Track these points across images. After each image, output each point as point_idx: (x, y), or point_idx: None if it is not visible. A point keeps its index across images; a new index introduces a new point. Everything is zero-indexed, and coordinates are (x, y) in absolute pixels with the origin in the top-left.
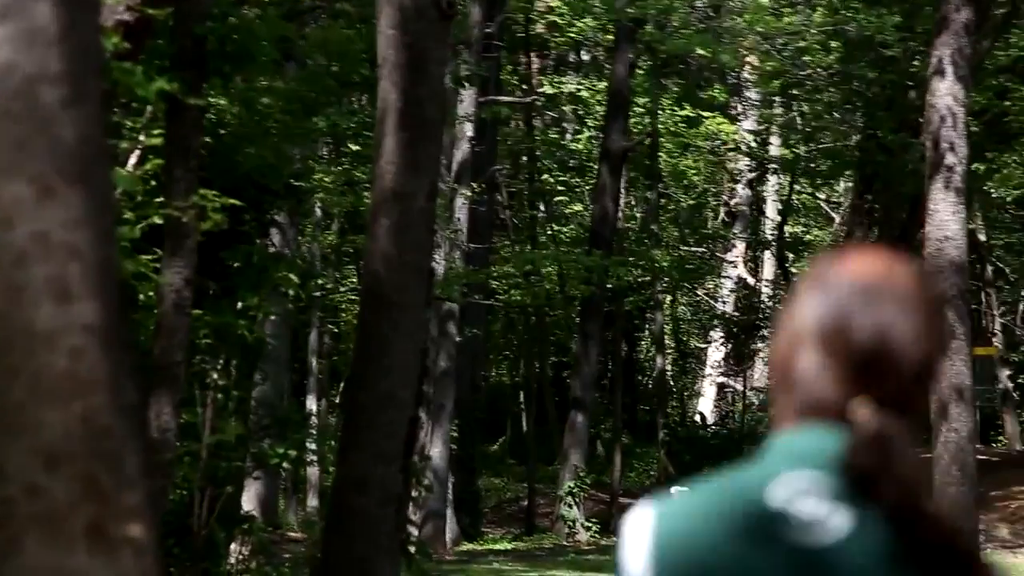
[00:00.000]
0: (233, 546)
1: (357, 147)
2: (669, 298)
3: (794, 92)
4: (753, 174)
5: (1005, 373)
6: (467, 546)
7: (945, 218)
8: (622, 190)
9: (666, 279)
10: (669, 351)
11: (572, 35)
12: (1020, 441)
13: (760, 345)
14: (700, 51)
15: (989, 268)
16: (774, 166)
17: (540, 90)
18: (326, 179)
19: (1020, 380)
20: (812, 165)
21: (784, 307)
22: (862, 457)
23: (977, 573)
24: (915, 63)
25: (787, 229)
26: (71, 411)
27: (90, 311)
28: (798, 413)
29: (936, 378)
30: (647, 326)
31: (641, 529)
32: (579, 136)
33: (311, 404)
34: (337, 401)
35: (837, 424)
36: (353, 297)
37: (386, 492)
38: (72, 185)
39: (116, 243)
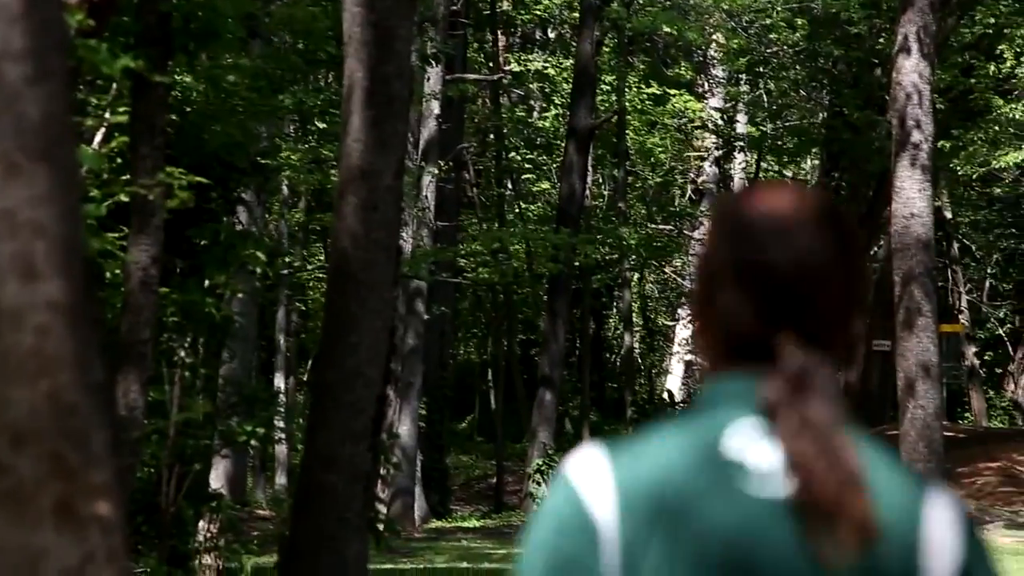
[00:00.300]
0: (201, 523)
1: (324, 125)
2: (637, 276)
3: (760, 70)
4: (720, 152)
5: (971, 350)
6: (436, 524)
7: (911, 195)
8: (589, 168)
9: (633, 257)
10: (637, 329)
11: (538, 12)
12: (986, 418)
13: None
14: (666, 28)
15: (955, 245)
16: (741, 143)
17: (506, 68)
18: (293, 157)
19: (986, 357)
20: (779, 143)
21: (701, 247)
22: (784, 397)
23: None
24: (881, 40)
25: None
26: (37, 389)
27: (56, 289)
28: (725, 355)
29: (861, 305)
30: (615, 304)
31: (600, 474)
32: (546, 114)
33: (279, 382)
34: (305, 379)
35: (764, 363)
36: (320, 275)
37: (354, 470)
38: (37, 163)
39: (82, 221)
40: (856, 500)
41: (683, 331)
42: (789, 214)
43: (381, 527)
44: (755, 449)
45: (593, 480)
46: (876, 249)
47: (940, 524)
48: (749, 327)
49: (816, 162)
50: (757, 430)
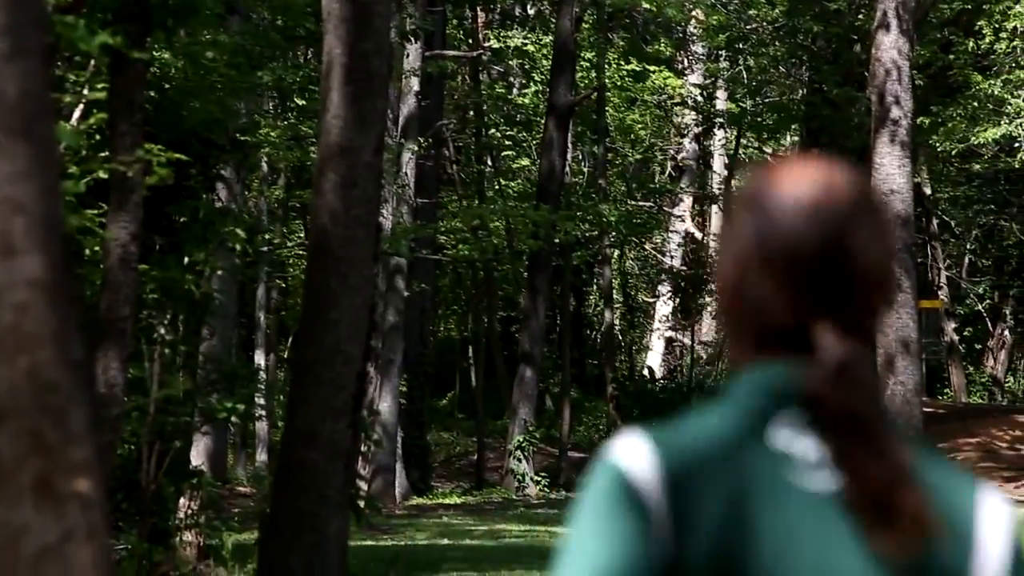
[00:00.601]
0: (182, 501)
1: (303, 101)
2: (617, 252)
3: (740, 46)
4: (700, 128)
5: (951, 326)
6: (417, 500)
7: (891, 172)
8: (569, 144)
9: (613, 234)
10: (617, 305)
11: None
12: (966, 393)
13: (708, 299)
14: (646, 5)
15: (934, 221)
16: (721, 120)
17: (486, 44)
18: (272, 134)
19: (966, 333)
20: (758, 119)
21: (724, 232)
22: (827, 389)
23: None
24: (860, 17)
25: (734, 183)
26: (17, 366)
27: (35, 265)
28: (756, 344)
29: (894, 284)
30: (595, 280)
31: (645, 458)
32: (526, 91)
33: (259, 359)
34: (285, 356)
35: (799, 353)
36: (301, 252)
37: (335, 447)
38: (15, 139)
39: (61, 197)
40: (909, 496)
41: (663, 308)
42: (817, 192)
43: (362, 504)
44: (801, 442)
45: (639, 464)
46: None
47: (993, 525)
48: (783, 317)
49: (796, 138)
50: (801, 422)
